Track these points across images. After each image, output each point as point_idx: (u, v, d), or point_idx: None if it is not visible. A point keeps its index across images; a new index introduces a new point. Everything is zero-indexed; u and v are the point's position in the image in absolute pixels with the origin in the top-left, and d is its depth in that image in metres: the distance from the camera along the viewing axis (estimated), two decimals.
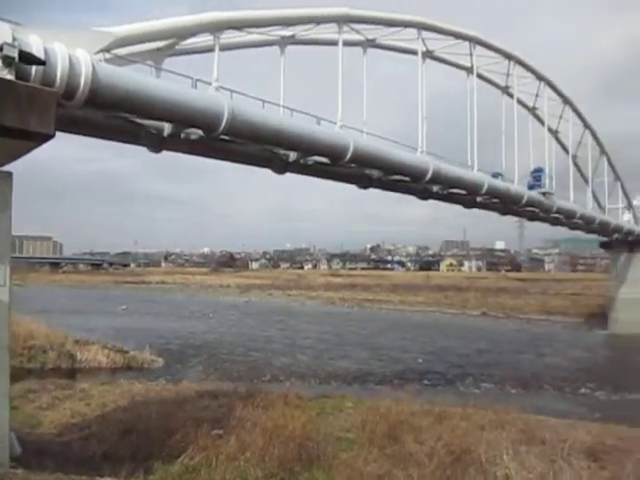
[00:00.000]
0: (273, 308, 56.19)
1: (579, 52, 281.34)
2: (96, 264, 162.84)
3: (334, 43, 17.05)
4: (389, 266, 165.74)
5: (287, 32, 16.48)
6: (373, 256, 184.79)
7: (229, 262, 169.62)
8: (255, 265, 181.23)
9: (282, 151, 15.50)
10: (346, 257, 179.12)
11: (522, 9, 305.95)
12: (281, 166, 16.23)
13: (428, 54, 20.89)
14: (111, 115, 11.53)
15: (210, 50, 13.57)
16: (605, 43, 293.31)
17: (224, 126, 11.99)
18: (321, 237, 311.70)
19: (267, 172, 16.59)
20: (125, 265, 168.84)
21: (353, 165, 16.83)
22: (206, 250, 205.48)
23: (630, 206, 41.21)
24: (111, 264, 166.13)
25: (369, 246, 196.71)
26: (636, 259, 39.92)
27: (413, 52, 20.01)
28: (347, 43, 17.92)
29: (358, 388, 19.43)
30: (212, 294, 74.96)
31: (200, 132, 12.74)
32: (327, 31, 17.44)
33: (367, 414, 10.46)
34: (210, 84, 12.93)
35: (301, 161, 16.20)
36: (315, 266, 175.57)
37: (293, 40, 16.89)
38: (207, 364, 22.15)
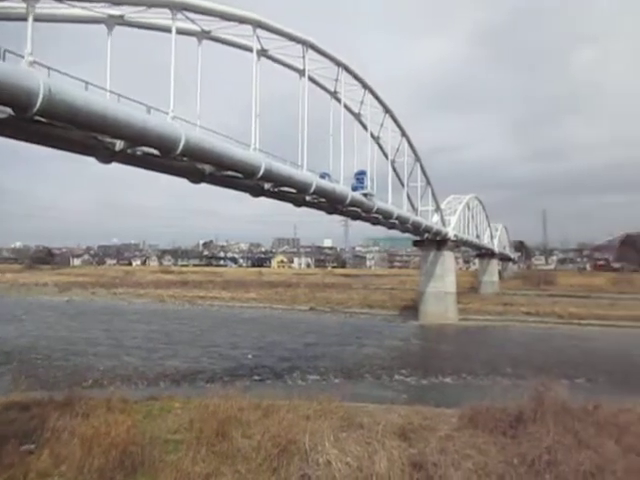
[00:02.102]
0: (97, 307, 52.34)
1: (399, 65, 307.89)
2: None
3: (167, 30, 16.39)
4: (222, 262, 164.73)
5: (115, 11, 15.45)
6: (206, 252, 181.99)
7: (47, 258, 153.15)
8: (77, 262, 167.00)
9: (108, 139, 14.41)
10: (178, 253, 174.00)
11: (350, 20, 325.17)
12: (106, 155, 15.05)
13: (263, 52, 21.11)
14: None
15: (23, 19, 12.14)
16: (419, 61, 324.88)
17: (39, 106, 10.73)
18: (151, 232, 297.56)
19: (92, 161, 15.34)
20: None
21: (185, 158, 16.34)
22: (18, 244, 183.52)
23: (438, 208, 46.06)
24: None
25: (202, 242, 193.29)
26: (442, 257, 44.68)
27: (249, 49, 20.06)
28: (181, 32, 17.34)
29: (188, 387, 19.00)
30: (26, 293, 67.22)
31: (10, 111, 11.29)
32: (161, 16, 16.71)
33: (196, 413, 10.26)
34: (23, 57, 11.54)
35: (129, 151, 15.23)
36: (145, 262, 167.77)
37: (122, 21, 15.88)
38: (17, 372, 19.70)
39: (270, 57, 21.91)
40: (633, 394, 13.76)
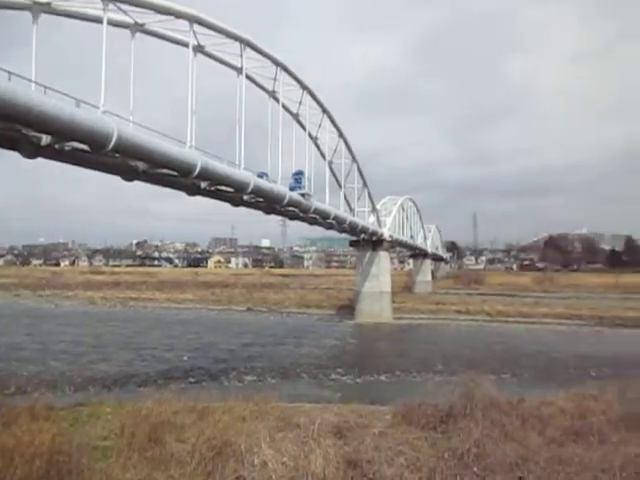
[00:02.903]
0: (21, 310, 49.47)
1: (336, 69, 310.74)
2: None
3: (99, 21, 15.75)
4: (156, 263, 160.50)
5: None
6: (139, 252, 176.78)
7: None
8: None
9: (33, 132, 13.69)
10: (110, 253, 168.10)
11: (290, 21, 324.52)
12: (31, 150, 14.23)
13: (199, 49, 20.70)
14: None
15: None
16: (354, 64, 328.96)
17: None
18: (81, 231, 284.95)
19: (15, 156, 14.51)
20: None
21: (117, 155, 15.75)
22: None
23: (374, 209, 46.87)
24: None
25: (135, 242, 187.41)
26: (378, 257, 45.47)
27: (185, 44, 19.59)
28: (113, 23, 16.74)
29: (119, 392, 18.27)
30: None
31: None
32: (91, 6, 16.07)
33: (127, 418, 9.94)
34: None
35: (56, 146, 14.51)
36: (74, 263, 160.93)
37: (49, 9, 15.17)
38: None
39: (207, 54, 21.53)
40: (553, 388, 14.61)
